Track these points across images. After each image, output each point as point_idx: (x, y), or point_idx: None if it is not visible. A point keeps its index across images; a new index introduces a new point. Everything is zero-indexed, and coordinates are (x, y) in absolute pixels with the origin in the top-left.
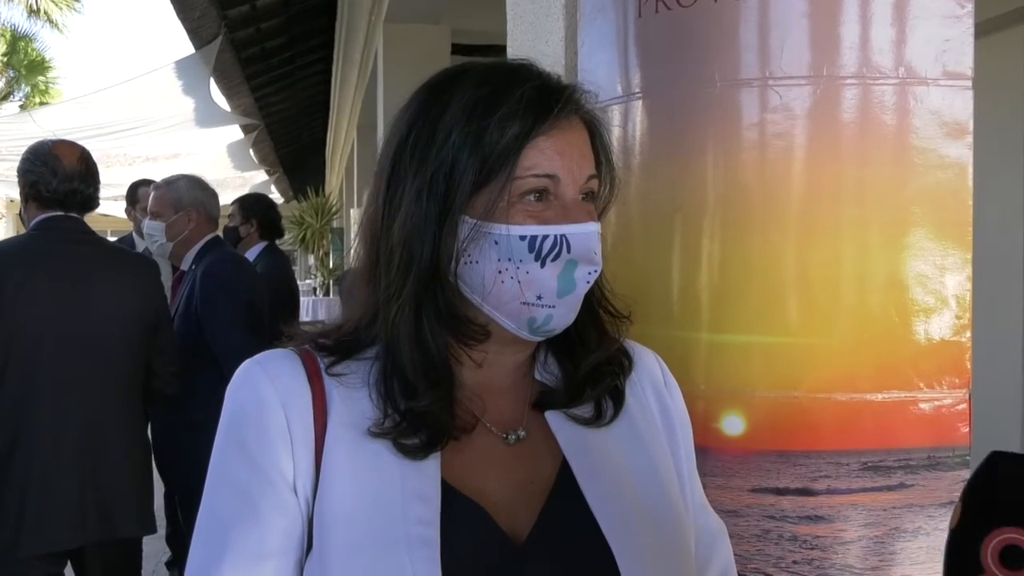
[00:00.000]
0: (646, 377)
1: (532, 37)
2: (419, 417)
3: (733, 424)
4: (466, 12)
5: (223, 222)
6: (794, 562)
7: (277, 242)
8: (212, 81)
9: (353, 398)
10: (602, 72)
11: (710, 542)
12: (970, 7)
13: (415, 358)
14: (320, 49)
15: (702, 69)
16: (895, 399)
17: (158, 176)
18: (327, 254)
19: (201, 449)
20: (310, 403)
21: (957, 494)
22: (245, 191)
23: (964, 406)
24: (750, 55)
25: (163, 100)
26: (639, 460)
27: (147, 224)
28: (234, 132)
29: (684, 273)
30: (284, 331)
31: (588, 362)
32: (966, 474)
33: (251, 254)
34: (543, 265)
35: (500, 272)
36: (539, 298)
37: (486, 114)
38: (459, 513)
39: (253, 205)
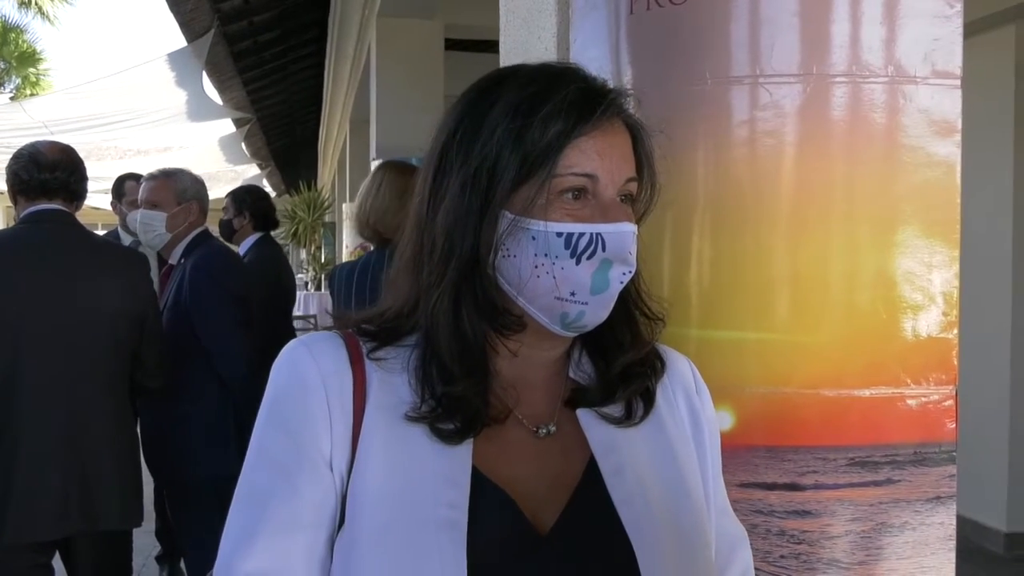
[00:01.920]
0: (678, 381)
1: (525, 33)
2: (455, 402)
3: (722, 419)
4: (459, 7)
5: (217, 215)
6: (781, 556)
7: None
8: (204, 74)
9: (392, 383)
10: (594, 68)
11: (731, 547)
12: (959, 7)
13: (452, 344)
14: (313, 43)
15: (693, 66)
16: (883, 395)
17: (149, 169)
18: (319, 248)
19: (189, 442)
20: (351, 385)
21: (944, 490)
22: (237, 185)
23: (951, 402)
24: (741, 53)
25: (155, 93)
26: (665, 462)
27: (142, 213)
28: (226, 126)
29: (674, 269)
30: (335, 316)
31: (621, 362)
32: (952, 470)
33: (244, 246)
34: (578, 262)
35: (536, 267)
36: (572, 294)
37: (530, 112)
38: (487, 500)
39: (245, 197)
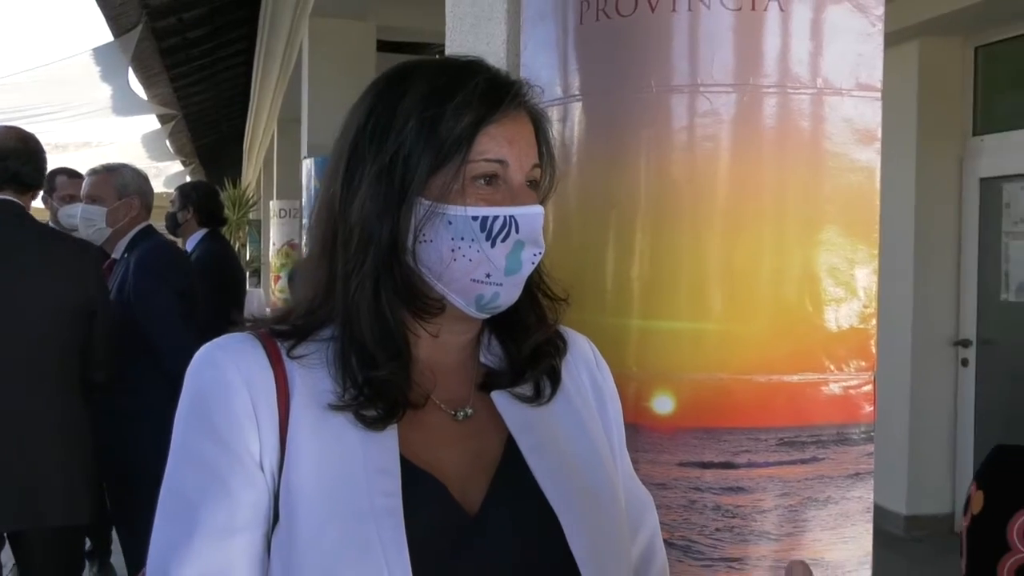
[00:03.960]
0: (580, 359)
1: (472, 39)
2: (378, 387)
3: (663, 403)
4: (392, 9)
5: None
6: (717, 530)
7: None
8: (130, 70)
9: (314, 377)
10: (543, 74)
11: (640, 509)
12: (880, 26)
13: (375, 329)
14: (242, 41)
15: (640, 75)
16: (808, 380)
17: (67, 165)
18: (244, 246)
19: (132, 436)
20: (273, 384)
21: (862, 467)
22: (160, 181)
23: (869, 387)
24: (683, 63)
25: (78, 87)
26: (577, 435)
27: (83, 208)
28: (151, 122)
29: (618, 264)
30: (237, 319)
31: (529, 344)
32: (870, 448)
33: (191, 241)
34: (493, 245)
35: (453, 251)
36: (488, 276)
37: (442, 102)
38: (418, 485)
39: (191, 192)
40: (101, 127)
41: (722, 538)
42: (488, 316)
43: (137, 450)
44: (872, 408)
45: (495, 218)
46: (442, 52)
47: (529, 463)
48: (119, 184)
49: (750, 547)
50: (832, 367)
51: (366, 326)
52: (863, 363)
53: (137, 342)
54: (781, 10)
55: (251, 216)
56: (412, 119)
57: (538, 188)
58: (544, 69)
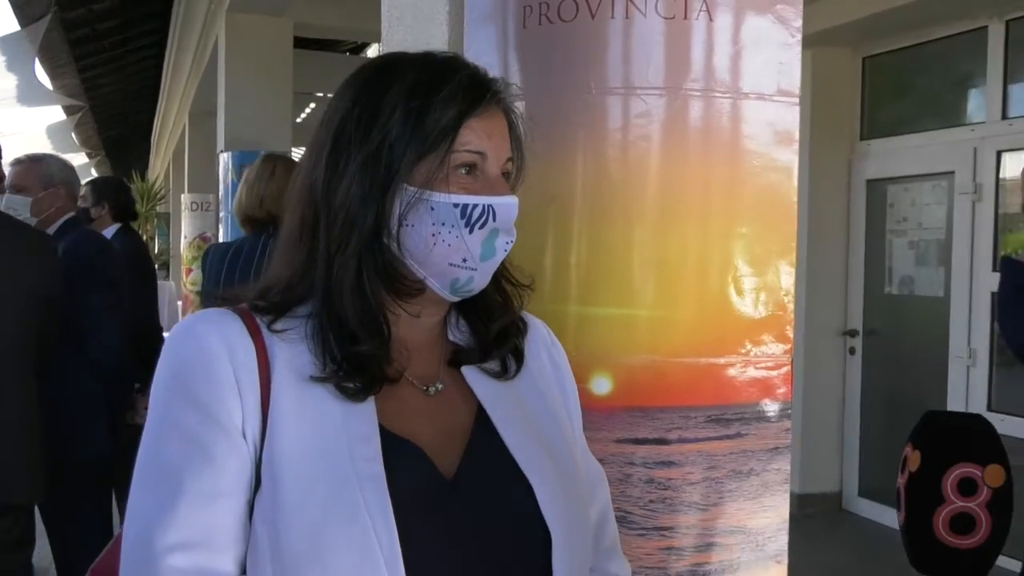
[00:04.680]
0: (538, 340)
1: (411, 39)
2: (358, 361)
3: (600, 384)
4: (309, 6)
5: None
6: (651, 501)
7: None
8: (36, 60)
9: (294, 351)
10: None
11: (594, 481)
12: (799, 36)
13: (356, 309)
14: (153, 34)
15: (580, 77)
16: (732, 362)
17: None
18: (152, 239)
19: (57, 425)
20: (254, 355)
21: (781, 441)
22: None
23: (787, 368)
24: (619, 67)
25: None
26: (541, 409)
27: (7, 198)
28: (56, 113)
29: (557, 255)
30: (223, 296)
31: (497, 324)
32: (788, 424)
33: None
34: (471, 231)
35: (434, 236)
36: (464, 261)
37: (427, 95)
38: (397, 451)
39: (104, 188)
40: (3, 117)
41: (655, 509)
42: (460, 299)
43: (64, 438)
44: (789, 388)
45: (475, 206)
46: (351, 50)
47: (500, 432)
48: (44, 174)
49: (680, 516)
50: (753, 350)
51: (348, 304)
52: (781, 346)
53: (63, 331)
54: (710, 20)
55: (159, 209)
56: (398, 110)
57: (508, 180)
58: (487, 69)
